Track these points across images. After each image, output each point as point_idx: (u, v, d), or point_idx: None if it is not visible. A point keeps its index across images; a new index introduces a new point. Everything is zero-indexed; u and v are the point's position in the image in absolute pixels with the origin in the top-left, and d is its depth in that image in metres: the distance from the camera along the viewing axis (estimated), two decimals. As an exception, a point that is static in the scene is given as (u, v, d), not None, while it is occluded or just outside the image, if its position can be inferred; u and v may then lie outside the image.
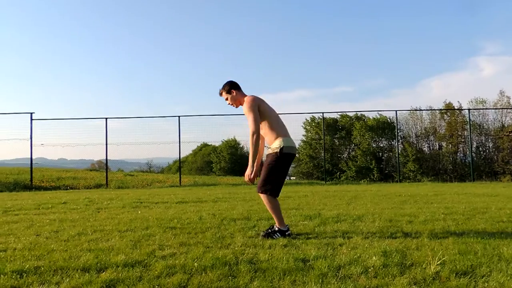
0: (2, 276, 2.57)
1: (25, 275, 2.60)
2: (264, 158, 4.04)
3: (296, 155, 3.85)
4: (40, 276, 2.57)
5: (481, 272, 2.54)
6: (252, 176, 3.71)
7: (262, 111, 3.79)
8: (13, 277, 2.55)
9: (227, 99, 3.98)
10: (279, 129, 3.82)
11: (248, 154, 3.76)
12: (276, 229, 3.75)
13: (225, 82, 4.01)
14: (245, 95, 3.93)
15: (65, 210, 6.28)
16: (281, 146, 3.72)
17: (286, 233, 3.74)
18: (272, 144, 3.79)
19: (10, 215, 5.75)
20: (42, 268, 2.73)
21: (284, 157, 3.73)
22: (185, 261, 2.86)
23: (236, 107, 4.01)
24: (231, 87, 3.94)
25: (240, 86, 3.99)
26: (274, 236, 3.69)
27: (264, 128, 3.83)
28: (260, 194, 3.78)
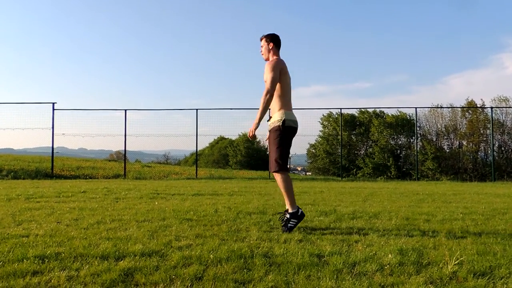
0: (25, 260, 2.66)
1: (47, 260, 2.68)
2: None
3: (297, 128, 3.89)
4: (61, 262, 2.64)
5: (500, 273, 2.50)
6: (254, 133, 3.81)
7: (281, 76, 3.81)
8: (36, 262, 2.63)
9: (262, 46, 4.01)
10: (285, 100, 3.85)
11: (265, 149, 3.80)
12: (288, 215, 3.77)
13: (270, 33, 4.04)
14: (278, 55, 3.95)
15: (85, 199, 6.43)
16: (283, 118, 3.76)
17: (299, 214, 3.77)
18: (274, 115, 3.83)
19: (32, 202, 5.92)
20: (63, 254, 2.81)
21: (287, 130, 3.77)
22: (201, 252, 2.89)
23: (265, 59, 4.02)
24: (272, 40, 3.97)
25: (280, 46, 4.01)
26: (290, 224, 3.72)
27: (277, 96, 3.85)
28: (275, 174, 3.82)
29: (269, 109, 3.98)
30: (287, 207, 3.84)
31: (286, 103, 3.85)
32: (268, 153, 3.98)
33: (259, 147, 40.62)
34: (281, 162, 3.77)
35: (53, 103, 15.23)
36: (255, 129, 3.81)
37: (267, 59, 3.99)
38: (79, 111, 16.52)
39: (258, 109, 3.79)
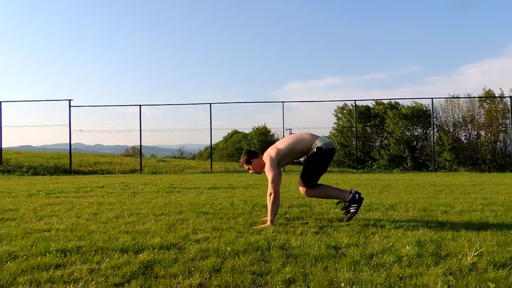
0: (47, 254, 2.73)
1: (68, 254, 2.74)
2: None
3: (335, 149, 3.88)
4: (82, 256, 2.70)
5: (521, 264, 2.46)
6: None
7: (283, 149, 3.84)
8: (58, 255, 2.70)
9: (249, 169, 4.07)
10: (309, 140, 3.86)
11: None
12: (346, 204, 3.82)
13: (242, 153, 4.14)
14: (262, 156, 3.99)
15: (103, 194, 6.54)
16: (317, 145, 3.78)
17: (357, 198, 3.77)
18: (310, 151, 3.85)
19: (52, 198, 6.05)
20: (84, 248, 2.87)
21: (322, 154, 3.79)
22: (218, 245, 2.92)
23: (260, 173, 4.07)
24: (250, 157, 4.03)
25: (257, 152, 4.08)
26: (351, 209, 3.76)
27: (299, 152, 3.89)
28: (300, 188, 3.89)
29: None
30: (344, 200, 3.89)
31: (313, 138, 3.87)
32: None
33: (273, 140, 40.58)
34: (307, 182, 3.85)
35: (70, 100, 15.47)
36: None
37: (262, 171, 4.00)
38: (95, 107, 16.72)
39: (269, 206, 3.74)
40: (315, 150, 3.78)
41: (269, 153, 3.88)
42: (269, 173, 3.76)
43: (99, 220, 4.02)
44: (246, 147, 40.31)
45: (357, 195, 3.79)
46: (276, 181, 3.73)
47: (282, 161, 3.88)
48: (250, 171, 4.08)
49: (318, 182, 3.92)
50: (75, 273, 2.37)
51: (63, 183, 8.85)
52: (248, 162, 4.02)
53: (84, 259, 2.63)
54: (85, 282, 2.24)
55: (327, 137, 3.92)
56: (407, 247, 2.83)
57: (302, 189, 3.92)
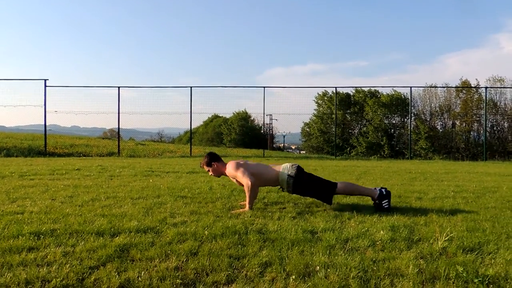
0: (20, 237, 2.67)
1: (42, 237, 2.69)
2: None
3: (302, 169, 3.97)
4: (57, 239, 2.66)
5: (488, 249, 2.56)
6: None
7: (255, 169, 3.86)
8: (31, 238, 2.65)
9: (208, 170, 4.08)
10: (273, 169, 3.90)
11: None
12: (377, 200, 3.79)
13: (205, 155, 4.14)
14: (225, 164, 4.01)
15: (79, 177, 6.42)
16: (288, 173, 3.81)
17: (384, 193, 3.79)
18: (281, 182, 3.87)
19: (26, 180, 5.91)
20: (58, 231, 2.82)
21: (299, 173, 3.82)
22: (195, 229, 2.93)
23: (218, 176, 4.13)
24: (211, 160, 4.04)
25: (219, 157, 4.10)
26: (384, 206, 3.75)
27: (262, 181, 3.88)
28: (247, 188, 3.74)
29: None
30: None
31: (274, 169, 3.89)
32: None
33: (253, 125, 40.62)
34: (324, 193, 3.82)
35: (45, 80, 15.01)
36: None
37: (222, 174, 4.06)
38: (72, 88, 16.27)
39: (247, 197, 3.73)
40: (291, 179, 3.80)
41: (238, 163, 3.90)
42: (237, 172, 3.79)
43: (74, 203, 3.96)
44: (226, 132, 40.25)
45: (383, 190, 3.81)
46: (247, 174, 3.74)
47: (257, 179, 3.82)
48: (209, 173, 4.11)
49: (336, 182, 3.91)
50: (48, 256, 2.33)
51: (37, 165, 8.64)
52: (208, 164, 4.06)
53: (59, 242, 2.58)
54: (59, 265, 2.21)
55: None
56: (381, 232, 2.90)
57: (247, 183, 3.75)
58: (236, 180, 3.97)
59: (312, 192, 3.87)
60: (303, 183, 3.84)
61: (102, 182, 5.69)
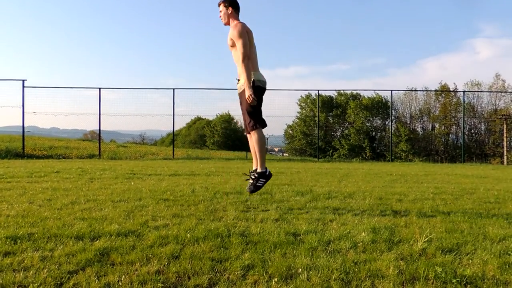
0: (-4, 241, 2.60)
1: (19, 241, 2.62)
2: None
3: (266, 88, 3.95)
4: (34, 243, 2.60)
5: (466, 250, 2.61)
6: (253, 96, 3.70)
7: (250, 39, 3.82)
8: (7, 242, 2.58)
9: (221, 11, 3.97)
10: (252, 62, 3.85)
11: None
12: (257, 175, 3.85)
13: None
14: (238, 19, 3.92)
15: (58, 179, 6.29)
16: (252, 79, 3.78)
17: (267, 174, 3.86)
18: (241, 76, 3.82)
19: (3, 183, 5.75)
20: (36, 235, 2.75)
21: (256, 90, 3.79)
22: (178, 232, 2.90)
23: (225, 24, 4.00)
24: (231, 5, 3.92)
25: (240, 9, 3.96)
26: (259, 183, 3.81)
27: (239, 58, 3.83)
28: (252, 133, 3.83)
29: (236, 79, 4.02)
30: (255, 167, 3.94)
31: (253, 65, 3.87)
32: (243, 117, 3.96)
33: (236, 128, 40.57)
34: (256, 119, 3.82)
35: (23, 80, 14.66)
36: (252, 93, 3.70)
37: (227, 23, 3.96)
38: (51, 89, 15.95)
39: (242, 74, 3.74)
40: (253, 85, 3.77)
41: (245, 24, 3.83)
42: (240, 39, 3.71)
43: (53, 206, 3.87)
44: (209, 134, 40.08)
45: (268, 171, 3.88)
46: (247, 46, 3.73)
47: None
48: (220, 15, 3.98)
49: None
50: (25, 261, 2.27)
51: (15, 167, 8.42)
52: (226, 6, 3.92)
53: (36, 247, 2.52)
54: (37, 269, 2.15)
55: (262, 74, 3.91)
56: (363, 233, 2.93)
57: (255, 134, 3.80)
58: (231, 45, 3.88)
59: (248, 115, 3.82)
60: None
61: (82, 185, 5.58)
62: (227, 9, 3.91)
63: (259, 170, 3.86)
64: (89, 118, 15.64)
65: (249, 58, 3.73)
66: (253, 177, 3.89)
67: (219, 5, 3.98)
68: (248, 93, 3.70)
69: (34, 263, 2.25)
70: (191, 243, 2.66)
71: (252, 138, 3.89)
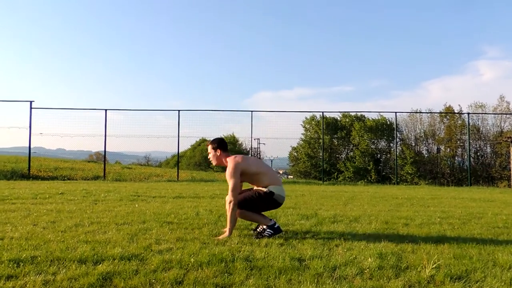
0: (-2, 265, 2.58)
1: (22, 264, 2.60)
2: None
3: (282, 204, 3.98)
4: (37, 266, 2.58)
5: (475, 277, 2.56)
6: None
7: (247, 170, 3.83)
8: (10, 265, 2.56)
9: (210, 153, 4.03)
10: (271, 178, 3.88)
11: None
12: (265, 227, 3.77)
13: (215, 138, 4.05)
14: (229, 156, 3.94)
15: (62, 201, 6.29)
16: (271, 191, 3.78)
17: (275, 227, 3.75)
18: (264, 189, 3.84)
19: (8, 204, 5.75)
20: (39, 258, 2.73)
21: (269, 199, 3.79)
22: (181, 256, 2.87)
23: (215, 165, 4.06)
24: (218, 146, 3.97)
25: (227, 146, 4.03)
26: (265, 234, 3.70)
27: (256, 181, 3.88)
28: (229, 205, 3.72)
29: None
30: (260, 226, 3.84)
31: (273, 179, 3.88)
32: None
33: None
34: (242, 204, 3.76)
35: (31, 102, 14.87)
36: (228, 236, 3.69)
37: (218, 165, 4.03)
38: (58, 110, 16.15)
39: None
40: (266, 191, 3.79)
41: (237, 160, 3.84)
42: (230, 180, 3.74)
43: (57, 229, 3.85)
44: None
45: (275, 223, 3.78)
46: (237, 190, 3.73)
47: (243, 176, 3.84)
48: (209, 156, 4.04)
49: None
50: (28, 285, 2.25)
51: (20, 189, 8.44)
52: (214, 148, 3.97)
53: (39, 270, 2.50)
54: (39, 295, 2.13)
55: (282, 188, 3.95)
56: (369, 259, 2.88)
57: (230, 200, 3.73)
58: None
59: (247, 200, 3.79)
60: (259, 198, 3.80)
61: (86, 207, 5.57)
62: (215, 152, 3.98)
63: (265, 226, 3.77)
64: (95, 139, 15.72)
65: (235, 204, 3.68)
66: (260, 227, 3.81)
67: (206, 146, 4.10)
68: (225, 235, 3.67)
69: (37, 287, 2.23)
70: (194, 268, 2.63)
71: (227, 208, 3.78)
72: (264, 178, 3.86)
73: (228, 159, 3.89)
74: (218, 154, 3.94)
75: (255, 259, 2.85)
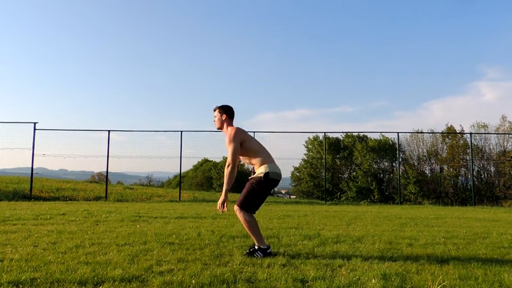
0: (-2, 286, 2.55)
1: (21, 286, 2.58)
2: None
3: (280, 180, 4.00)
4: (36, 288, 2.55)
5: (481, 298, 2.51)
6: (224, 206, 3.78)
7: (246, 142, 3.90)
8: (9, 288, 2.53)
9: (215, 116, 4.10)
10: (265, 156, 3.93)
11: (224, 180, 3.83)
12: (257, 247, 3.73)
13: (225, 104, 4.12)
14: (232, 125, 4.02)
15: (64, 222, 6.26)
16: (266, 171, 3.80)
17: (267, 251, 3.71)
18: (258, 169, 3.88)
19: (8, 225, 5.73)
20: (39, 280, 2.71)
21: (268, 182, 3.81)
22: (182, 277, 2.83)
23: (217, 128, 4.11)
24: (226, 112, 4.04)
25: (234, 115, 4.10)
26: (255, 255, 3.66)
27: (250, 157, 3.94)
28: (237, 211, 3.78)
29: (253, 166, 4.08)
30: (254, 244, 3.81)
31: (266, 157, 3.93)
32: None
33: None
34: (246, 203, 3.77)
35: (35, 123, 14.97)
36: (224, 201, 3.79)
37: (219, 128, 4.09)
38: (61, 131, 16.23)
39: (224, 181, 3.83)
40: (262, 176, 3.79)
41: (238, 130, 3.91)
42: (230, 144, 3.81)
43: (57, 250, 3.83)
44: (216, 176, 40.02)
45: (269, 250, 3.74)
46: (236, 154, 3.80)
47: (240, 149, 3.89)
48: (214, 118, 4.09)
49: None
50: (27, 308, 2.22)
51: (21, 210, 8.41)
52: (221, 113, 4.03)
53: (38, 292, 2.47)
54: (37, 317, 2.10)
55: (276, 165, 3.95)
56: (373, 280, 2.84)
57: (241, 214, 3.77)
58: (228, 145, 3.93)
59: (245, 196, 3.81)
60: (257, 189, 3.80)
61: (87, 228, 5.54)
62: (221, 115, 4.06)
63: (259, 246, 3.74)
64: (97, 160, 15.73)
65: (234, 166, 3.80)
66: (253, 247, 3.77)
67: (214, 110, 4.16)
68: (220, 200, 3.77)
69: (35, 310, 2.20)
70: (196, 289, 2.59)
71: (238, 216, 3.83)
72: (258, 155, 3.92)
73: (229, 127, 3.98)
74: (224, 118, 4.02)
75: (257, 281, 2.81)
